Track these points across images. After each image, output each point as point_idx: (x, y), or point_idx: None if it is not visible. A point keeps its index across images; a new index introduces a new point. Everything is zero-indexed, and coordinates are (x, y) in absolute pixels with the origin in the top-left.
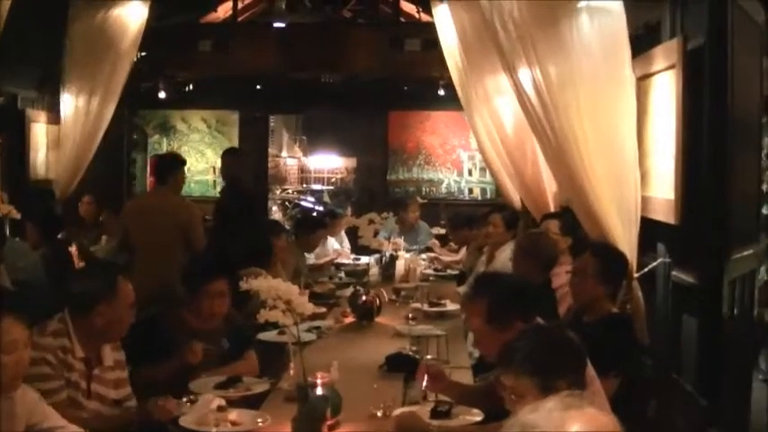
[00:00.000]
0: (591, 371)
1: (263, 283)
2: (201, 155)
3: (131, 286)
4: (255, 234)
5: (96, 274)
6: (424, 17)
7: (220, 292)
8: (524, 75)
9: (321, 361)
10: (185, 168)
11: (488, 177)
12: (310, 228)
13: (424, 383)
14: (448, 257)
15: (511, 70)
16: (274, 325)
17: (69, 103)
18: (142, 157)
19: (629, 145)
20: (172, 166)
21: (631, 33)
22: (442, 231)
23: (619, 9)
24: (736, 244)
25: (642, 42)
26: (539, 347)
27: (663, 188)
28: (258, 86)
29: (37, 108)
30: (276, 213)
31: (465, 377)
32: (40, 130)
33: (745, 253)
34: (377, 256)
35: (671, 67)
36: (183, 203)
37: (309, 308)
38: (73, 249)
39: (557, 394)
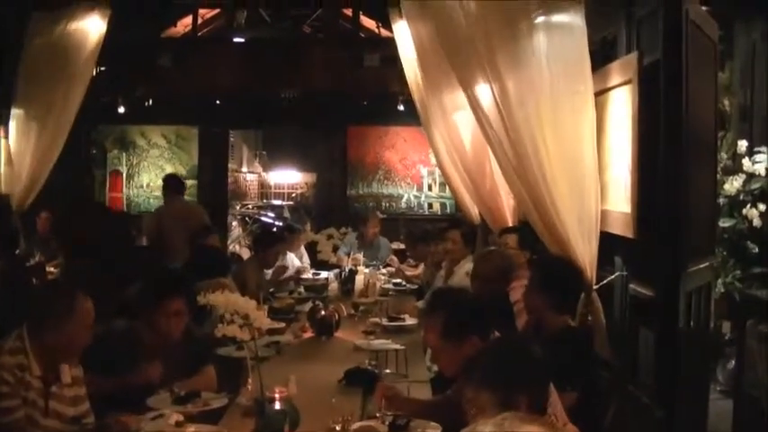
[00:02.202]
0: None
1: (221, 298)
2: (161, 170)
3: (91, 305)
4: (211, 248)
5: (56, 293)
6: (384, 33)
7: (177, 311)
8: (483, 89)
9: (279, 376)
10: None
11: (448, 192)
12: (269, 243)
13: (382, 404)
14: (408, 271)
15: (468, 85)
16: (233, 340)
17: (24, 117)
18: (101, 173)
19: (589, 158)
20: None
21: (589, 48)
22: (402, 246)
23: (580, 23)
24: (692, 257)
25: (598, 57)
26: (500, 361)
27: (619, 202)
28: (218, 101)
29: None
30: (236, 229)
31: (423, 391)
32: None
33: (701, 266)
34: (336, 271)
35: (627, 82)
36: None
37: (267, 322)
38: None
39: (493, 418)
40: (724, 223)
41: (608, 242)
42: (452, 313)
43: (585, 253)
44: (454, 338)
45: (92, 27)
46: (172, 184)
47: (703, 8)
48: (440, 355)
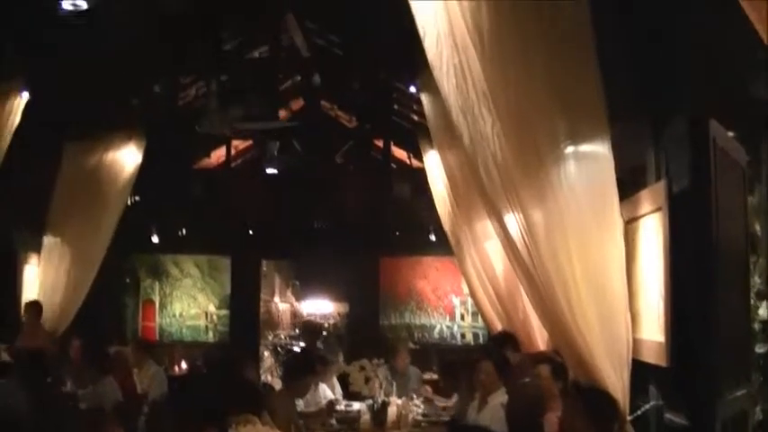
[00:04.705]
0: None
1: (252, 431)
2: (194, 300)
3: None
4: (244, 380)
5: (88, 424)
6: (415, 163)
7: None
8: (510, 220)
9: None
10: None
11: (480, 322)
12: (300, 374)
13: None
14: (441, 402)
15: (495, 215)
16: None
17: (58, 246)
18: (134, 302)
19: (618, 288)
20: None
21: (618, 177)
22: (435, 377)
23: (606, 153)
24: (728, 385)
25: (628, 185)
26: None
27: (652, 330)
28: (250, 231)
29: (30, 250)
30: (268, 359)
31: None
32: (32, 272)
33: (738, 393)
34: (369, 401)
35: (657, 209)
36: None
37: None
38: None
39: None
40: (759, 349)
41: (643, 371)
42: None
43: (617, 384)
44: None
45: (127, 157)
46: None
47: (729, 133)
48: None
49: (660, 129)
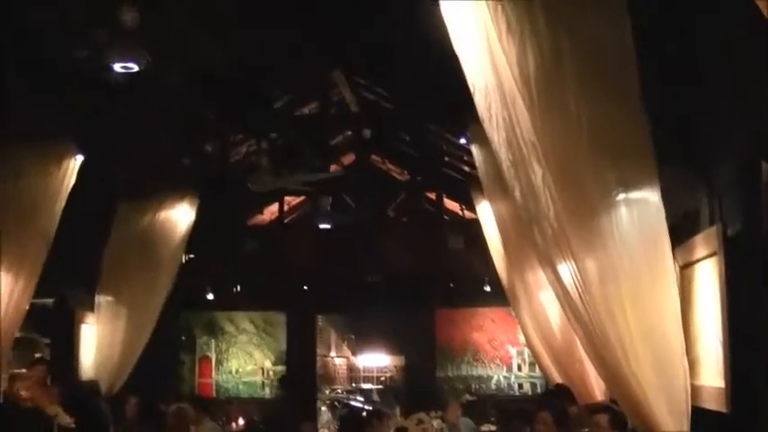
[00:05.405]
0: None
1: None
2: (250, 356)
3: None
4: None
5: None
6: (468, 215)
7: None
8: (563, 270)
9: None
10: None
11: (538, 372)
12: (356, 429)
13: None
14: None
15: (549, 266)
16: None
17: (113, 304)
18: (190, 359)
19: (674, 335)
20: None
21: (672, 222)
22: (493, 428)
23: (656, 200)
24: None
25: (683, 231)
26: None
27: (712, 375)
28: (305, 287)
29: (86, 309)
30: (325, 414)
31: None
32: (88, 331)
33: None
34: None
35: (712, 254)
36: None
37: None
38: None
39: None
40: None
41: (703, 417)
42: None
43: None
44: None
45: (180, 216)
46: None
47: None
48: None
49: (711, 173)
